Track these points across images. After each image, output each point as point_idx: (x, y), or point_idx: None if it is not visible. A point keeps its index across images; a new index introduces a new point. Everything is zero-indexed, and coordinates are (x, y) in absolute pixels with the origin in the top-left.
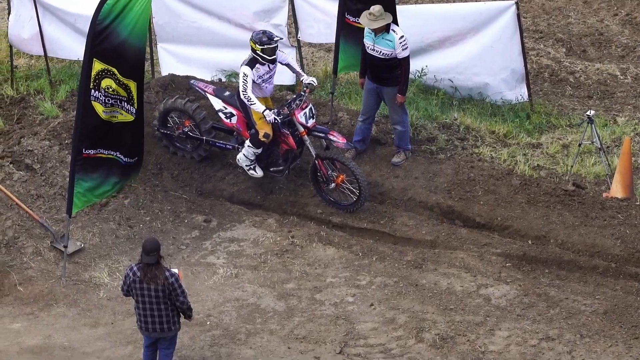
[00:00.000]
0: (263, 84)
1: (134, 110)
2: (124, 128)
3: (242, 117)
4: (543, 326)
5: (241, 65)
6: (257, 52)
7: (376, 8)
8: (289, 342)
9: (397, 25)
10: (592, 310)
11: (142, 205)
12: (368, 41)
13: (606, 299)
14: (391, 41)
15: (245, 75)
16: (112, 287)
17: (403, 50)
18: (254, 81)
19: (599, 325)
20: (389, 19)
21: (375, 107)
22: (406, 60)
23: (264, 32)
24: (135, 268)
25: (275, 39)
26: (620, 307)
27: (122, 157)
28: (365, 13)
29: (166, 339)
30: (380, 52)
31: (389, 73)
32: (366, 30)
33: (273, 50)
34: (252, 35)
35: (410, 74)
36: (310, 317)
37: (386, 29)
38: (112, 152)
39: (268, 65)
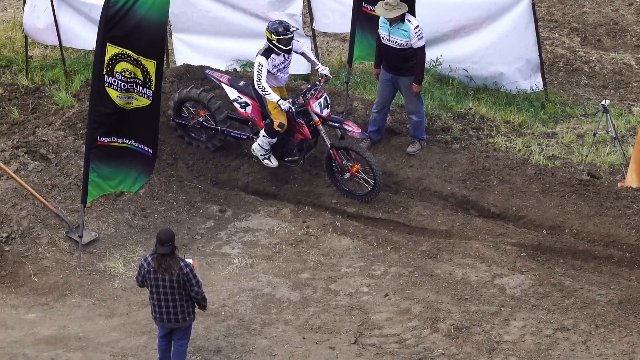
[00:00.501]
0: (278, 74)
1: (151, 93)
2: (139, 114)
3: (257, 106)
4: (558, 316)
5: (256, 55)
6: (273, 42)
7: None
8: (304, 332)
9: (415, 14)
10: (607, 300)
11: (157, 195)
12: (383, 31)
13: (621, 289)
14: (406, 31)
15: (260, 65)
16: (127, 278)
17: (419, 40)
18: (269, 71)
19: (614, 315)
20: (405, 8)
21: (390, 97)
22: (422, 50)
23: (280, 22)
24: (149, 258)
25: (292, 29)
26: (635, 297)
27: (137, 145)
28: (381, 3)
29: (181, 329)
30: (396, 42)
31: (405, 63)
32: (381, 20)
33: (289, 41)
34: (267, 25)
35: (425, 64)
36: (325, 307)
37: (401, 18)
38: (126, 141)
39: (283, 55)
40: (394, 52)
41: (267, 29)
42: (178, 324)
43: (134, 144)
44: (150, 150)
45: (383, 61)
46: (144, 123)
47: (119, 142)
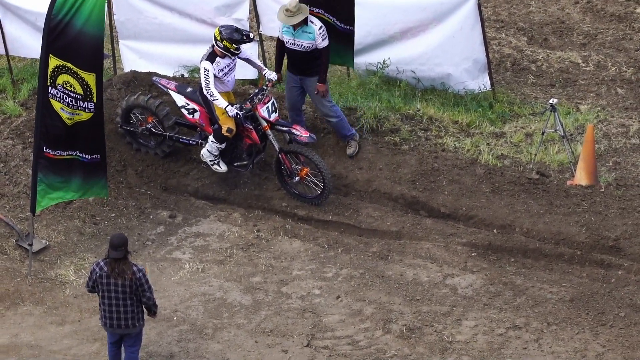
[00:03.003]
0: (225, 77)
1: (92, 105)
2: (82, 127)
3: (205, 112)
4: (510, 315)
5: (201, 61)
6: (227, 47)
7: (292, 3)
8: (256, 335)
9: (354, 17)
10: (559, 298)
11: (107, 202)
12: (287, 36)
13: (572, 287)
14: (311, 33)
15: (206, 70)
16: (78, 285)
17: (323, 40)
18: (215, 75)
19: (566, 313)
20: (306, 12)
21: (300, 100)
22: (327, 49)
23: (236, 29)
24: (102, 263)
25: (251, 35)
26: (587, 295)
27: (82, 154)
28: (281, 8)
29: (131, 335)
30: (302, 45)
31: (312, 64)
32: (283, 25)
33: (240, 47)
34: (220, 31)
35: (373, 66)
36: (277, 311)
37: (304, 22)
38: (71, 152)
39: (228, 57)
40: (300, 55)
41: (220, 36)
42: (128, 330)
43: (79, 154)
44: (98, 156)
45: (289, 65)
46: (88, 135)
47: (65, 155)
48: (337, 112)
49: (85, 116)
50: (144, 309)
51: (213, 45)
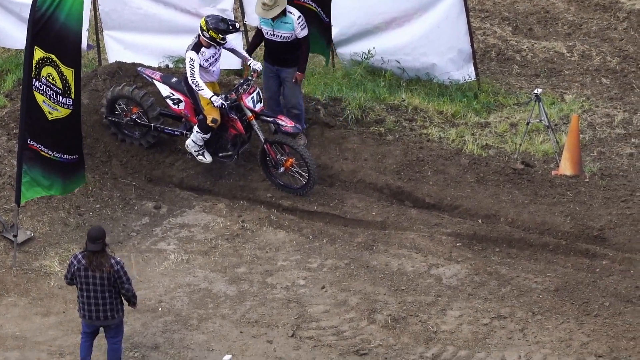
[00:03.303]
0: (210, 67)
1: (71, 101)
2: (61, 125)
3: (190, 103)
4: (494, 305)
5: (187, 51)
6: (213, 37)
7: None
8: (241, 326)
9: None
10: (543, 288)
11: (92, 193)
12: (266, 27)
13: (557, 276)
14: (290, 23)
15: (192, 60)
16: (63, 276)
17: (302, 30)
18: (200, 65)
19: (550, 303)
20: (284, 3)
21: (277, 89)
22: (306, 39)
23: (222, 19)
24: (80, 256)
25: (237, 25)
26: (571, 284)
27: (61, 155)
28: (258, 2)
29: (111, 327)
30: (281, 35)
31: (291, 54)
32: (260, 18)
33: (226, 37)
34: (207, 21)
35: (357, 56)
36: (262, 301)
37: (283, 12)
38: (50, 152)
39: (214, 47)
40: (279, 46)
41: (206, 26)
42: (107, 322)
43: (56, 155)
44: (76, 156)
45: (266, 55)
46: (65, 133)
47: (45, 153)
48: (301, 104)
49: (63, 112)
50: (123, 300)
51: (199, 35)
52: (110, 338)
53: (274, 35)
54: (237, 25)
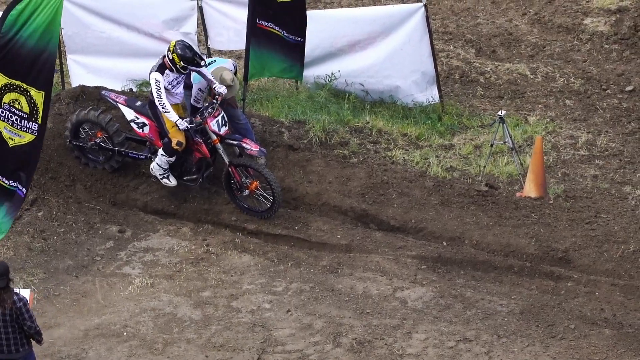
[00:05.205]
0: (172, 90)
1: (37, 127)
2: (21, 152)
3: (155, 126)
4: (460, 327)
5: (150, 72)
6: (175, 62)
7: (230, 76)
8: (206, 350)
9: (306, 30)
10: (509, 311)
11: (56, 217)
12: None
13: (522, 299)
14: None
15: (157, 81)
16: (27, 301)
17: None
18: (165, 87)
19: (516, 325)
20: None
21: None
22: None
23: (190, 47)
24: None
25: (202, 63)
26: (537, 307)
27: (14, 184)
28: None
29: (18, 359)
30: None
31: None
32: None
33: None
34: (176, 43)
35: (321, 79)
36: (227, 325)
37: None
38: (12, 184)
39: (177, 71)
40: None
41: (174, 48)
42: (11, 355)
43: (12, 184)
44: (24, 190)
45: None
46: (24, 161)
47: (6, 184)
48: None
49: (27, 138)
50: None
51: (164, 57)
52: None
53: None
54: (202, 63)
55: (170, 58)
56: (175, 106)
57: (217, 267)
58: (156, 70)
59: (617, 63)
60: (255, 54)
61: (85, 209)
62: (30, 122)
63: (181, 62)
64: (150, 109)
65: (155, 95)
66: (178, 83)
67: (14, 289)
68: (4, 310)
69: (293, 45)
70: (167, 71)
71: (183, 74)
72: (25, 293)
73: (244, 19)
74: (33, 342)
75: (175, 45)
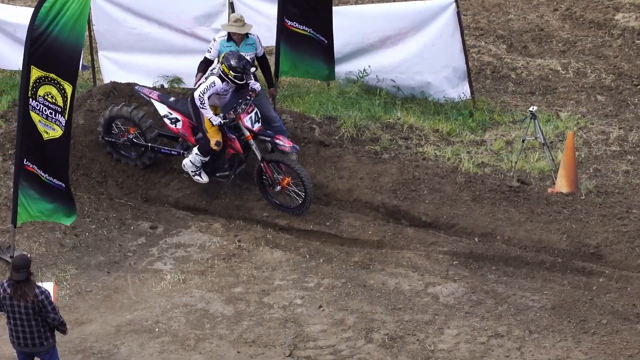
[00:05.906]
0: (225, 96)
1: (64, 122)
2: (53, 147)
3: (188, 122)
4: (492, 323)
5: (212, 74)
6: (224, 71)
7: (238, 14)
8: (238, 346)
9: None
10: (540, 306)
11: (88, 214)
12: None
13: (554, 294)
14: (253, 44)
15: (213, 83)
16: (59, 297)
17: (262, 47)
18: (217, 92)
19: (548, 321)
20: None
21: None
22: (265, 55)
23: (239, 58)
24: (5, 284)
25: (246, 76)
26: (568, 302)
27: (51, 179)
28: (230, 21)
29: (42, 353)
30: (248, 57)
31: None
32: (222, 44)
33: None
34: (226, 58)
35: (352, 75)
36: (259, 321)
37: (246, 33)
38: (43, 174)
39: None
40: None
41: (223, 62)
42: (35, 349)
43: (48, 178)
44: (63, 185)
45: None
46: (56, 156)
47: (39, 174)
48: (277, 116)
49: (58, 132)
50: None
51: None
52: None
53: None
54: (249, 74)
55: (221, 68)
56: (212, 107)
57: (248, 263)
58: (218, 76)
59: None
60: (285, 52)
61: (117, 205)
62: (61, 116)
63: (231, 72)
64: (192, 105)
65: (201, 88)
66: (228, 93)
67: (36, 283)
68: (26, 304)
69: (323, 46)
70: (225, 82)
71: (233, 84)
72: (48, 286)
73: (275, 14)
74: (58, 334)
75: (225, 64)
